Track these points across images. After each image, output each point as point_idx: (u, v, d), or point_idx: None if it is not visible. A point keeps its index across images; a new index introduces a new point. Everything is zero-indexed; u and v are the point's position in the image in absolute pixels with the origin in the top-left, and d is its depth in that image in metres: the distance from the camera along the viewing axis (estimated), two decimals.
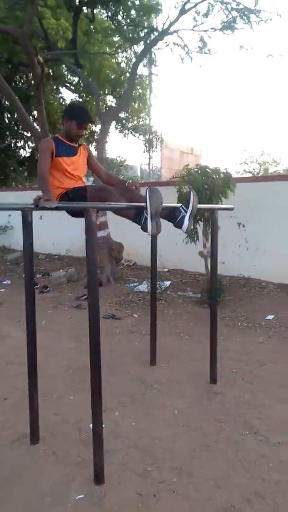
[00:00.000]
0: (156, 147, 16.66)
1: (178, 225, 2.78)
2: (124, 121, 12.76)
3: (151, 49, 7.81)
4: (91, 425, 2.86)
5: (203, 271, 7.08)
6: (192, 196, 2.75)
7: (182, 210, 2.76)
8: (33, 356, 2.75)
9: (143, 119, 14.73)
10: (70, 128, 3.02)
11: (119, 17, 8.51)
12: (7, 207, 2.57)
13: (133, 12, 8.62)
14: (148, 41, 7.87)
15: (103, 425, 2.82)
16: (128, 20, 8.58)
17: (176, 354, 4.11)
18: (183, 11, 7.31)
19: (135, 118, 13.68)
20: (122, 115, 11.92)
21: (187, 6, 7.37)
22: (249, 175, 25.79)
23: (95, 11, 8.56)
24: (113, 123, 10.67)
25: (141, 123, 14.91)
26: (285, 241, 6.42)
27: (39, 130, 7.42)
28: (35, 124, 8.57)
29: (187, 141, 27.17)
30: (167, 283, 6.52)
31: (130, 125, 14.31)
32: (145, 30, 8.21)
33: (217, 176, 5.39)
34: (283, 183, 6.62)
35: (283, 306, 5.49)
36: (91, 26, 9.26)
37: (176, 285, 6.66)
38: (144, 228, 2.58)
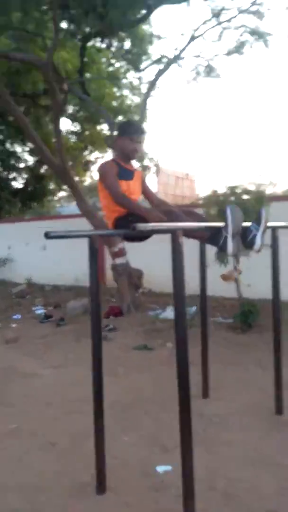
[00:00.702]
0: (152, 172, 16.72)
1: (249, 244, 2.55)
2: None
3: (160, 77, 7.88)
4: (157, 468, 2.60)
5: (226, 295, 6.88)
6: (263, 213, 2.57)
7: (253, 229, 2.56)
8: (99, 398, 2.47)
9: None
10: (125, 146, 2.86)
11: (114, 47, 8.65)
12: (75, 235, 2.37)
13: (127, 43, 8.79)
14: (157, 69, 7.95)
15: (170, 468, 2.54)
16: (125, 50, 8.73)
17: (226, 384, 3.82)
18: (193, 38, 7.45)
19: None
20: None
21: (197, 33, 7.53)
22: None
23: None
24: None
25: None
26: None
27: (55, 160, 7.29)
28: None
29: (182, 166, 27.49)
30: (194, 308, 6.24)
31: None
32: (152, 59, 8.35)
33: (247, 196, 5.29)
34: None
35: None
36: (85, 58, 9.38)
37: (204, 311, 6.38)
38: (223, 248, 2.40)
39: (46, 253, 10.53)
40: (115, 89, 10.46)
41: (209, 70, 8.76)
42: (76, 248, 9.73)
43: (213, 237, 2.48)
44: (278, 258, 3.22)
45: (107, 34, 7.34)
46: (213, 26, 7.49)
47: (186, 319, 2.11)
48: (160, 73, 7.75)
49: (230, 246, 2.38)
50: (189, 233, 2.60)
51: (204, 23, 7.59)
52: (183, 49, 7.77)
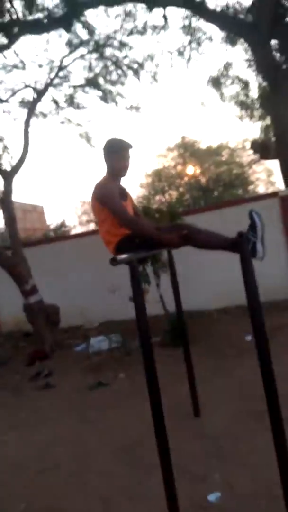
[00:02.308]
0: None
1: (251, 253, 2.46)
2: None
3: (35, 108, 7.68)
4: (209, 497, 2.48)
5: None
6: (256, 219, 2.52)
7: (250, 237, 2.49)
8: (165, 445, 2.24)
9: None
10: (118, 164, 2.72)
11: None
12: None
13: None
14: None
15: (219, 494, 2.47)
16: None
17: (206, 402, 3.74)
18: (61, 68, 7.51)
19: None
20: None
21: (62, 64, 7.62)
22: (93, 225, 26.76)
23: None
24: None
25: None
26: (216, 270, 6.67)
27: None
28: None
29: (27, 198, 26.70)
30: (117, 335, 6.09)
31: None
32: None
33: (157, 215, 5.48)
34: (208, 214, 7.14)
35: (242, 325, 5.75)
36: None
37: (126, 336, 6.28)
38: (253, 253, 2.39)
39: None
40: None
41: (70, 101, 8.95)
42: None
43: (235, 244, 2.44)
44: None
45: None
46: (74, 59, 7.71)
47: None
48: (34, 104, 7.56)
49: (260, 250, 2.41)
50: (209, 245, 2.66)
51: (69, 53, 7.75)
52: (53, 78, 7.76)
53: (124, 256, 2.21)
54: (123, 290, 6.94)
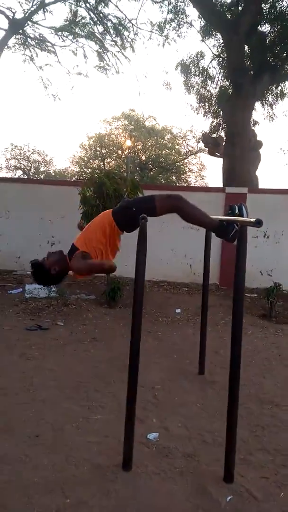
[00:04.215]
0: None
1: (231, 238, 2.77)
2: None
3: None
4: (149, 436, 2.85)
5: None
6: (244, 210, 2.79)
7: (235, 226, 2.77)
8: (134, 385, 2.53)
9: None
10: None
11: None
12: None
13: None
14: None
15: (157, 434, 2.85)
16: None
17: (142, 358, 4.12)
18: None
19: None
20: None
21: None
22: (20, 172, 25.55)
23: None
24: None
25: None
26: (155, 247, 6.96)
27: None
28: None
29: None
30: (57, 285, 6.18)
31: None
32: None
33: (121, 181, 5.64)
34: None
35: (173, 299, 6.25)
36: None
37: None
38: (233, 240, 2.68)
39: None
40: None
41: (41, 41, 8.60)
42: None
43: (221, 228, 2.75)
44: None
45: None
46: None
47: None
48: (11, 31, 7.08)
49: None
50: (195, 220, 2.82)
51: None
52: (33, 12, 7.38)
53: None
54: (62, 244, 7.06)
